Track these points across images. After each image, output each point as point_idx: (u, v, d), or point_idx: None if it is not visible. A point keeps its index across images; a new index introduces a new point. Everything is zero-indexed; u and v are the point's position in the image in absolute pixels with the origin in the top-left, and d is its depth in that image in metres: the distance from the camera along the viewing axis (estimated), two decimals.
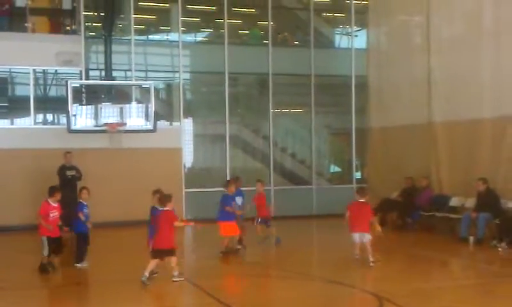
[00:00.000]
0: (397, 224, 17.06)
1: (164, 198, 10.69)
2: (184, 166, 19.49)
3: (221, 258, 13.05)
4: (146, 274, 10.25)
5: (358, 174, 21.31)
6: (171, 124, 19.73)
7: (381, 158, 19.20)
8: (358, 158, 21.23)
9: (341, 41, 23.07)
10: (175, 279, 10.50)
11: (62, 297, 10.38)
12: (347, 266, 12.65)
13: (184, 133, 19.61)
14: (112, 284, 10.78)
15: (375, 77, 19.81)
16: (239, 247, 13.52)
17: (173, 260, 10.46)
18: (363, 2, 21.19)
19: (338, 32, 23.23)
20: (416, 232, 16.58)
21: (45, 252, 11.49)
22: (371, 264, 11.89)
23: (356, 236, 12.34)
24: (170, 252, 10.42)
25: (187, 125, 20.04)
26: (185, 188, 18.87)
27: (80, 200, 12.16)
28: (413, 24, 18.51)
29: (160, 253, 10.39)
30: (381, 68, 19.62)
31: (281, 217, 19.16)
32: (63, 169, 16.41)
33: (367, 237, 12.16)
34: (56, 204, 11.65)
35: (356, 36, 21.61)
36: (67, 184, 15.64)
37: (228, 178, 16.08)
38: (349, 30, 21.75)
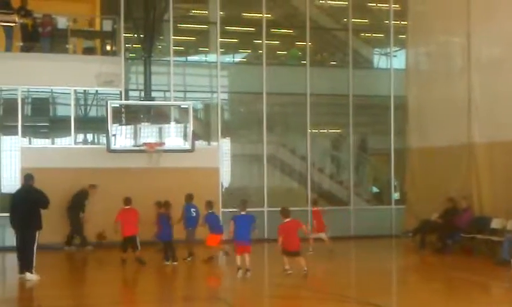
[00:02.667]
0: (436, 246, 16.77)
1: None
2: (222, 186, 19.54)
3: (257, 280, 13.07)
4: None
5: (396, 195, 21.06)
6: (209, 144, 19.82)
7: (420, 179, 18.97)
8: (397, 179, 20.99)
9: (380, 61, 22.97)
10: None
11: None
12: (385, 288, 12.52)
13: (222, 153, 19.67)
14: None
15: (414, 97, 19.64)
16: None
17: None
18: (402, 23, 21.04)
19: (376, 52, 23.13)
20: (456, 254, 16.29)
21: None
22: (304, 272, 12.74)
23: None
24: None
25: (225, 145, 20.11)
26: (222, 208, 18.87)
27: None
28: (452, 44, 18.31)
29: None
30: (421, 88, 19.46)
31: (318, 237, 19.11)
32: (85, 197, 17.22)
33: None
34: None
35: (395, 56, 21.48)
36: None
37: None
38: (388, 50, 21.61)
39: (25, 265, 12.80)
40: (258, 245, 18.27)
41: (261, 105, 19.74)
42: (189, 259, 15.08)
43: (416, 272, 15.00)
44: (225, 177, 20.10)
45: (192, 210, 15.51)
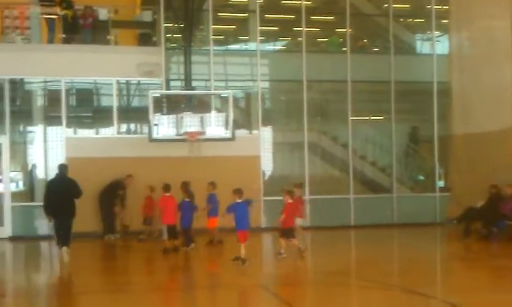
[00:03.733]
0: (481, 234, 16.51)
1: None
2: (263, 174, 19.54)
3: (297, 267, 13.17)
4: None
5: (441, 183, 20.77)
6: (250, 132, 19.80)
7: (464, 165, 18.67)
8: (441, 166, 20.69)
9: (422, 47, 22.63)
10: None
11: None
12: (429, 276, 12.37)
13: (263, 142, 19.66)
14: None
15: (458, 82, 19.32)
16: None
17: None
18: (444, 7, 20.68)
19: (418, 38, 22.78)
20: (501, 242, 16.01)
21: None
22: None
23: None
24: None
25: (265, 133, 20.09)
26: (264, 196, 18.89)
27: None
28: (496, 28, 17.92)
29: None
30: (464, 73, 19.12)
31: (361, 226, 19.03)
32: (117, 187, 17.53)
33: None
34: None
35: (437, 41, 21.13)
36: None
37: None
38: (430, 35, 21.25)
39: (63, 242, 13.61)
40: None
41: (301, 93, 19.63)
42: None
43: (461, 259, 14.77)
44: (266, 165, 20.06)
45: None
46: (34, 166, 19.01)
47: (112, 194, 17.44)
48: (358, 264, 13.89)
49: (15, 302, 10.47)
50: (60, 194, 13.70)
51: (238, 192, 13.07)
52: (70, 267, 13.41)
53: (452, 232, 17.86)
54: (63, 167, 14.43)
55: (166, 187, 14.72)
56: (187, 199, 14.70)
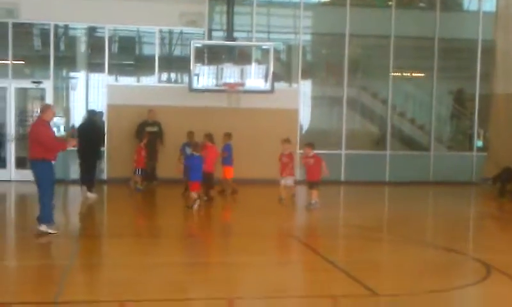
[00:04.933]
0: None
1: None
2: (301, 128, 19.63)
3: (331, 220, 13.37)
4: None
5: (479, 142, 20.60)
6: (289, 85, 19.83)
7: (504, 126, 18.47)
8: (481, 125, 20.47)
9: (468, 3, 22.15)
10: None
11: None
12: (462, 234, 12.45)
13: (302, 95, 19.69)
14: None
15: (503, 41, 18.97)
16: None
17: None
18: None
19: None
20: None
21: None
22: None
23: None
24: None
25: (305, 87, 20.11)
26: (300, 149, 19.00)
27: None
28: None
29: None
30: (510, 32, 18.75)
31: (397, 182, 19.06)
32: (143, 125, 17.28)
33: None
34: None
35: None
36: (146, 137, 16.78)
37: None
38: None
39: (88, 186, 15.14)
40: (335, 187, 18.45)
41: (343, 47, 19.52)
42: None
43: (494, 219, 14.77)
44: (304, 119, 20.13)
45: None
46: (76, 111, 19.41)
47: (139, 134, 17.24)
48: (391, 220, 14.01)
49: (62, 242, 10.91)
50: (85, 139, 15.01)
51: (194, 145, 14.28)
52: (90, 209, 14.43)
53: (487, 192, 17.80)
54: (90, 113, 16.37)
55: (209, 137, 14.99)
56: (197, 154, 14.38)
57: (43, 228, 10.80)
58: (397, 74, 20.11)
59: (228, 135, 16.02)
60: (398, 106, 20.79)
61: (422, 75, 21.18)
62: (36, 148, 10.83)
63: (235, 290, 8.04)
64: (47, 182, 10.90)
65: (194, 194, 13.74)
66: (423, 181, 19.25)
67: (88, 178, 15.31)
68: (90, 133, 15.45)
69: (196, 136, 15.74)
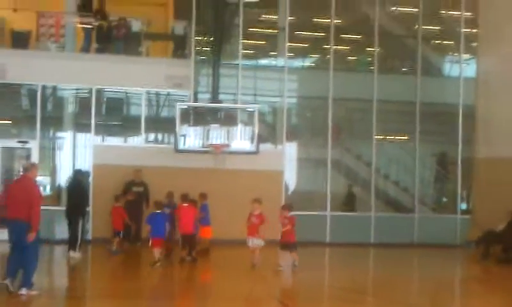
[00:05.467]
0: (500, 258, 16.52)
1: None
2: (286, 189, 19.75)
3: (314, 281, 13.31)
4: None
5: (463, 205, 20.77)
6: (275, 147, 19.99)
7: (486, 189, 18.74)
8: (464, 188, 20.70)
9: (449, 69, 22.67)
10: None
11: None
12: (443, 296, 12.47)
13: (287, 157, 19.87)
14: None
15: (484, 107, 19.42)
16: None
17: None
18: (473, 31, 20.77)
19: (446, 60, 22.85)
20: None
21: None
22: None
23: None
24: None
25: (290, 149, 20.31)
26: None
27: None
28: None
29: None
30: (491, 98, 19.25)
31: (382, 244, 19.12)
32: (130, 185, 17.43)
33: None
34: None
35: (465, 64, 21.09)
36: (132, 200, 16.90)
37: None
38: (458, 58, 21.29)
39: (70, 244, 15.30)
40: (320, 248, 18.48)
41: (327, 110, 19.82)
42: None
43: (478, 282, 14.82)
44: (290, 180, 20.26)
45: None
46: (61, 171, 19.47)
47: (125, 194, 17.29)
48: (376, 282, 14.01)
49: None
50: (72, 198, 15.62)
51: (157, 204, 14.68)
52: (73, 270, 14.43)
53: (471, 255, 17.88)
54: (76, 173, 16.84)
55: (184, 197, 14.83)
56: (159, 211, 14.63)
57: (24, 291, 10.49)
58: (380, 137, 20.39)
59: (203, 196, 15.96)
60: (382, 168, 21.01)
61: (405, 138, 21.50)
62: (25, 208, 10.46)
63: None
64: (33, 245, 10.60)
65: (156, 252, 14.04)
66: (407, 243, 19.34)
67: (73, 237, 15.36)
68: (76, 193, 15.72)
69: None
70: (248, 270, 13.82)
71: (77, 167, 18.86)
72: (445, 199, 21.86)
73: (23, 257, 10.58)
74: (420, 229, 19.86)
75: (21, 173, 11.94)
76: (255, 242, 14.16)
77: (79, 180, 16.25)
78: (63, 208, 17.42)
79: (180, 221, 14.65)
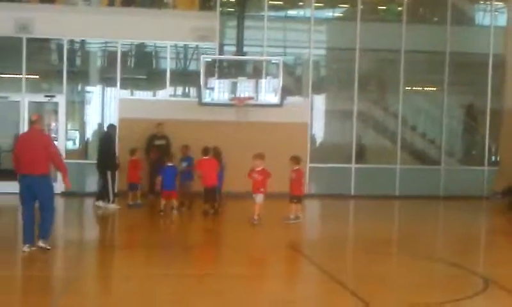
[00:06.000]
0: None
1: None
2: (312, 141, 19.73)
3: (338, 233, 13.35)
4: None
5: (490, 157, 20.48)
6: (300, 99, 19.87)
7: None
8: (492, 139, 20.40)
9: (479, 18, 22.14)
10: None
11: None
12: (468, 248, 12.45)
13: (312, 109, 19.78)
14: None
15: None
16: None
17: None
18: None
19: (477, 9, 22.29)
20: None
21: None
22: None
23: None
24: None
25: (315, 101, 20.19)
26: (310, 163, 19.09)
27: None
28: None
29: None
30: None
31: (408, 196, 19.03)
32: (152, 138, 17.55)
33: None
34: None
35: (497, 12, 20.60)
36: (155, 152, 17.04)
37: None
38: (489, 7, 20.76)
39: (101, 196, 15.83)
40: (344, 201, 18.53)
41: (354, 61, 19.59)
42: (178, 210, 15.18)
43: (502, 233, 14.68)
44: (315, 133, 20.19)
45: (187, 163, 15.72)
46: (88, 125, 19.70)
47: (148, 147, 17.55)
48: (400, 234, 14.01)
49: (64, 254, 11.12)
50: (103, 152, 15.96)
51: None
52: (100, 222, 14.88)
53: (497, 206, 17.73)
54: (109, 127, 16.87)
55: (205, 150, 14.88)
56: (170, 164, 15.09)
57: (42, 243, 10.31)
58: (407, 88, 20.12)
59: (186, 148, 16.02)
60: (409, 120, 20.79)
61: (433, 89, 21.17)
62: (46, 161, 10.22)
63: (230, 302, 8.10)
64: (52, 198, 10.54)
65: (162, 203, 14.79)
66: (433, 196, 19.21)
67: (103, 189, 15.81)
68: (108, 146, 16.07)
69: None
70: (271, 222, 13.87)
71: (104, 120, 19.13)
72: (472, 151, 21.56)
73: (43, 212, 10.33)
74: (447, 181, 19.69)
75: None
76: (258, 198, 13.81)
77: (110, 134, 16.49)
78: (91, 161, 18.06)
79: (202, 174, 14.71)
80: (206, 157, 14.78)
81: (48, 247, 10.31)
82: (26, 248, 10.15)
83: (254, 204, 13.79)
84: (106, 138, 16.44)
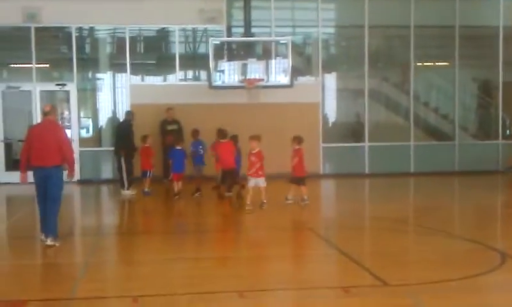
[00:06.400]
0: None
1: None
2: (325, 120, 19.68)
3: (354, 212, 13.35)
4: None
5: (505, 130, 20.37)
6: (310, 79, 19.81)
7: None
8: (505, 113, 20.26)
9: None
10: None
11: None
12: (484, 223, 12.39)
13: (323, 88, 19.71)
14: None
15: None
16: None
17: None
18: None
19: None
20: None
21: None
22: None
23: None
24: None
25: (326, 80, 20.11)
26: (323, 142, 19.07)
27: None
28: None
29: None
30: None
31: (422, 173, 18.98)
32: (164, 124, 17.59)
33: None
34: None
35: None
36: (167, 137, 17.01)
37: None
38: None
39: (122, 183, 15.99)
40: (359, 179, 18.50)
41: (363, 38, 19.47)
42: (197, 194, 15.26)
43: None
44: (326, 112, 20.13)
45: (199, 147, 15.69)
46: (101, 112, 19.72)
47: (162, 133, 17.63)
48: (416, 211, 13.95)
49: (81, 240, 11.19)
50: (121, 139, 16.01)
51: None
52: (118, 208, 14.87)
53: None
54: (127, 114, 16.91)
55: (222, 133, 14.81)
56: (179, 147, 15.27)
57: (50, 242, 9.96)
58: (418, 64, 20.00)
59: (196, 132, 15.91)
60: (421, 96, 20.68)
61: (444, 63, 21.02)
62: (58, 152, 10.02)
63: (249, 282, 8.12)
64: (61, 190, 10.22)
65: (175, 185, 15.05)
66: (448, 171, 19.14)
67: (124, 176, 15.91)
68: (127, 133, 16.09)
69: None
70: (281, 204, 13.83)
71: (116, 107, 19.25)
72: (486, 125, 21.42)
73: (47, 204, 10.09)
74: (461, 157, 19.63)
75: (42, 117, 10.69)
76: (254, 181, 13.28)
77: (128, 121, 16.49)
78: (105, 148, 18.18)
79: (220, 157, 14.59)
80: (223, 140, 14.67)
81: (57, 244, 9.98)
82: (44, 237, 10.11)
83: (248, 187, 13.39)
84: (125, 125, 16.41)
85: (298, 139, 14.02)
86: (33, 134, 10.25)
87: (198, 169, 15.66)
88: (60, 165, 10.09)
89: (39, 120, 17.60)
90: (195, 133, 15.97)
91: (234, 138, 15.07)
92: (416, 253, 9.84)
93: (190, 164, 15.67)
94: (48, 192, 10.03)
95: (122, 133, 16.23)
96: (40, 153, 9.99)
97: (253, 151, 13.32)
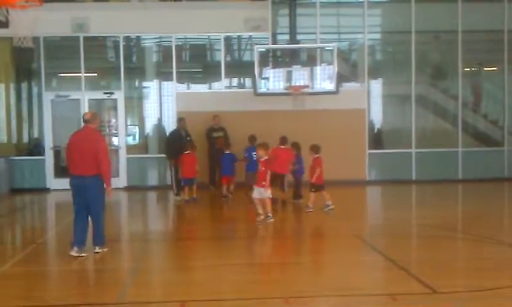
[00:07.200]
0: None
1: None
2: (371, 127, 19.53)
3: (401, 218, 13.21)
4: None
5: None
6: (357, 85, 19.67)
7: None
8: None
9: None
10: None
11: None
12: None
13: (369, 95, 19.56)
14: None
15: None
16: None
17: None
18: None
19: None
20: None
21: None
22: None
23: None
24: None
25: (372, 86, 19.96)
26: (369, 149, 18.92)
27: None
28: None
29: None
30: None
31: (471, 179, 18.66)
32: (210, 131, 17.69)
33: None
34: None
35: None
36: (213, 145, 17.26)
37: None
38: None
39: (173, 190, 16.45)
40: (406, 186, 18.28)
41: (410, 44, 19.28)
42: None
43: None
44: (373, 118, 19.96)
45: (253, 153, 14.99)
46: (147, 120, 19.96)
47: (208, 140, 17.79)
48: (464, 219, 13.73)
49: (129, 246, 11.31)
50: (172, 146, 16.27)
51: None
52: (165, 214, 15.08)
53: None
54: (179, 121, 17.14)
55: (283, 140, 14.66)
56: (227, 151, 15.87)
57: (98, 249, 10.06)
58: (466, 69, 19.70)
59: (252, 138, 15.69)
60: (470, 102, 20.36)
61: (493, 68, 20.65)
62: (94, 161, 9.76)
63: (296, 289, 8.08)
64: (102, 200, 10.02)
65: (224, 188, 15.81)
66: (497, 178, 18.78)
67: (174, 182, 16.36)
68: (179, 140, 16.23)
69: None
70: (324, 211, 13.75)
71: (162, 115, 19.50)
72: None
73: (91, 215, 9.98)
74: (510, 163, 19.23)
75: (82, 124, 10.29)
76: (258, 193, 12.74)
77: (179, 128, 16.78)
78: (151, 155, 18.43)
79: (278, 161, 14.02)
80: (283, 146, 14.57)
81: (105, 250, 10.12)
82: (74, 252, 9.85)
83: (254, 197, 12.89)
84: (177, 132, 16.71)
85: (315, 148, 14.06)
86: (71, 142, 10.04)
87: (250, 175, 14.93)
88: (97, 174, 9.83)
89: None
90: (252, 139, 15.73)
91: (295, 145, 15.06)
92: (466, 260, 9.68)
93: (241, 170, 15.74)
94: (89, 204, 9.89)
95: (172, 140, 16.43)
96: (76, 162, 9.85)
97: (262, 160, 12.89)
